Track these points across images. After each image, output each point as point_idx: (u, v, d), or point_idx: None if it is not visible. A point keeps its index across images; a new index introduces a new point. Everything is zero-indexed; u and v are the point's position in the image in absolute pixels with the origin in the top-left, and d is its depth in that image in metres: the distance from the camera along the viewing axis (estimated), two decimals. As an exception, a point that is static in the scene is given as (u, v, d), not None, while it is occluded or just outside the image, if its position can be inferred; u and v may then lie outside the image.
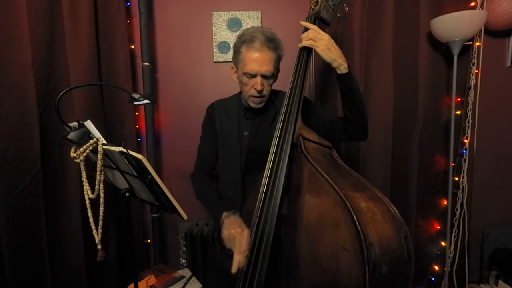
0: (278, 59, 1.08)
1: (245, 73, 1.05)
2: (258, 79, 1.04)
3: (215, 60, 1.74)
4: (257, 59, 1.01)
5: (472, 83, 1.67)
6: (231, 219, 0.95)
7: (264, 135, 1.11)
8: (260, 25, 1.70)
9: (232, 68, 1.15)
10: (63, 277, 1.47)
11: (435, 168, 1.76)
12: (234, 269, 0.84)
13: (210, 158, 1.21)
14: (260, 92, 1.05)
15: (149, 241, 1.80)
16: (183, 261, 1.76)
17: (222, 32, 1.72)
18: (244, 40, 1.03)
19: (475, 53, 1.65)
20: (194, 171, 1.23)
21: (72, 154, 0.83)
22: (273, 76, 1.08)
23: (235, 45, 1.08)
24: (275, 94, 1.19)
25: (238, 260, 0.85)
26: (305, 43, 0.94)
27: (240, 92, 1.21)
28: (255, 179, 1.01)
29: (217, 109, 1.22)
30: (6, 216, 1.31)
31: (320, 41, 0.92)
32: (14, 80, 1.31)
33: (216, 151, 1.21)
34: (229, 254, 0.89)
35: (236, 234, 0.88)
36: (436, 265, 1.78)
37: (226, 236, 0.90)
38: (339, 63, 0.93)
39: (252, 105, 1.11)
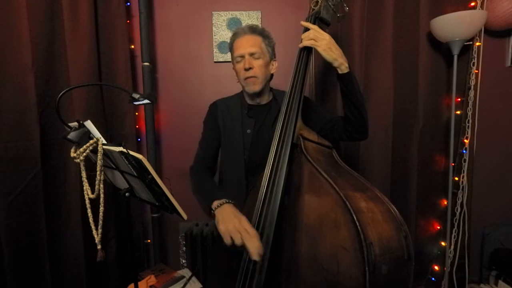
0: (269, 45, 1.14)
1: (235, 59, 1.13)
2: (246, 57, 1.10)
3: (215, 60, 1.74)
4: (242, 42, 1.11)
5: (472, 83, 1.67)
6: (224, 209, 0.89)
7: (267, 133, 1.12)
8: (259, 25, 1.70)
9: (233, 68, 1.19)
10: (63, 277, 1.47)
11: (435, 168, 1.76)
12: (256, 256, 0.76)
13: (211, 151, 1.23)
14: (248, 69, 1.09)
15: (149, 241, 1.80)
16: (183, 261, 1.76)
17: (222, 32, 1.72)
18: (233, 34, 1.16)
19: (475, 53, 1.65)
20: (193, 163, 1.23)
21: (72, 154, 0.83)
22: (262, 56, 1.11)
23: (229, 45, 1.19)
24: (278, 93, 1.20)
25: (254, 246, 0.77)
26: (306, 43, 0.94)
27: (242, 91, 1.22)
28: (257, 178, 1.01)
29: (220, 107, 1.22)
30: (6, 216, 1.31)
31: (321, 41, 0.92)
32: (14, 80, 1.31)
33: (217, 145, 1.22)
34: (227, 250, 0.83)
35: (235, 227, 0.81)
36: (436, 265, 1.78)
37: (224, 231, 0.82)
38: (340, 62, 0.93)
39: (248, 88, 1.13)
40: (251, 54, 1.10)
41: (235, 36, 1.14)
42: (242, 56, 1.11)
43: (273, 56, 1.17)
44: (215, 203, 0.93)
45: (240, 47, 1.11)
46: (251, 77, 1.10)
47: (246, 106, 1.19)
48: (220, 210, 0.90)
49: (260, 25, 1.70)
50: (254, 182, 1.04)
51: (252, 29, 1.12)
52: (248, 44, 1.10)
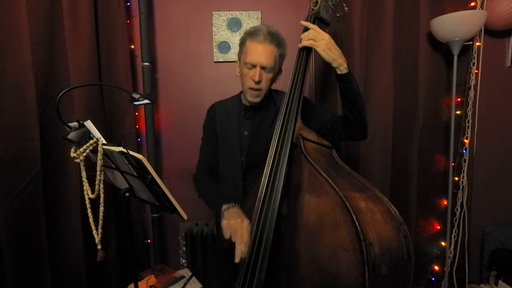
0: (281, 57, 1.10)
1: (246, 63, 1.08)
2: (257, 69, 1.06)
3: (215, 60, 1.74)
4: (258, 50, 1.05)
5: (472, 83, 1.67)
6: (231, 210, 0.94)
7: (265, 135, 1.11)
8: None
9: (237, 62, 1.18)
10: (63, 277, 1.47)
11: (435, 168, 1.76)
12: (237, 259, 0.82)
13: (212, 159, 1.21)
14: (258, 83, 1.06)
15: (149, 241, 1.80)
16: (183, 261, 1.76)
17: (222, 32, 1.72)
18: (249, 32, 1.09)
19: (475, 53, 1.65)
20: (196, 171, 1.23)
21: (72, 154, 0.83)
22: (273, 70, 1.09)
23: (241, 38, 1.13)
24: (276, 94, 1.19)
25: (240, 250, 0.83)
26: (306, 43, 0.94)
27: (241, 93, 1.22)
28: (255, 179, 1.01)
29: (217, 109, 1.22)
30: (6, 216, 1.31)
31: (321, 41, 0.92)
32: (14, 80, 1.31)
33: (218, 152, 1.21)
34: (229, 247, 0.86)
35: (236, 225, 0.87)
36: (436, 265, 1.78)
37: (225, 226, 0.89)
38: (339, 63, 0.93)
39: (249, 98, 1.11)
40: (263, 67, 1.06)
41: (252, 37, 1.07)
42: (254, 66, 1.06)
43: (281, 67, 1.14)
44: (225, 206, 0.96)
45: (254, 55, 1.05)
46: (256, 89, 1.08)
47: (244, 108, 1.19)
48: (229, 210, 0.95)
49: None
50: (252, 184, 1.04)
51: (271, 37, 1.06)
52: (264, 55, 1.05)
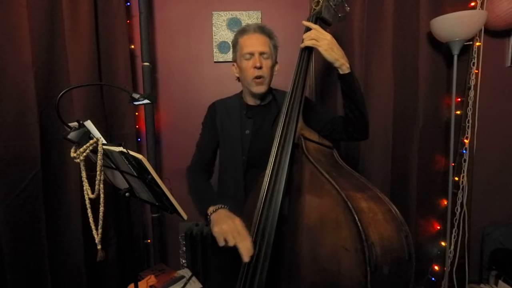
0: (274, 47, 1.14)
1: (243, 55, 1.10)
2: (256, 56, 1.08)
3: (215, 60, 1.74)
4: (253, 41, 1.10)
5: (472, 83, 1.67)
6: (219, 213, 0.90)
7: (266, 134, 1.11)
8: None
9: (233, 65, 1.19)
10: (63, 277, 1.47)
11: (435, 168, 1.76)
12: (246, 258, 0.78)
13: (209, 152, 1.22)
14: (259, 68, 1.08)
15: (149, 241, 1.80)
16: (183, 261, 1.75)
17: (222, 32, 1.72)
18: (239, 31, 1.14)
19: (475, 53, 1.65)
20: (191, 164, 1.23)
21: (72, 154, 0.83)
22: (271, 57, 1.11)
23: (232, 41, 1.17)
24: (277, 93, 1.19)
25: (245, 247, 0.79)
26: (308, 42, 0.94)
27: (241, 92, 1.22)
28: (257, 178, 1.01)
29: (218, 108, 1.22)
30: (6, 216, 1.31)
31: (323, 41, 0.92)
32: (14, 80, 1.31)
33: (215, 147, 1.22)
34: (227, 250, 0.83)
35: (228, 227, 0.83)
36: (436, 265, 1.78)
37: (218, 232, 0.84)
38: (341, 63, 0.93)
39: (255, 89, 1.11)
40: (261, 53, 1.09)
41: (242, 33, 1.12)
42: (252, 54, 1.09)
43: (276, 59, 1.16)
44: (211, 209, 0.94)
45: (250, 45, 1.09)
46: (260, 77, 1.09)
47: (245, 107, 1.19)
48: (215, 214, 0.91)
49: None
50: (253, 182, 1.04)
51: (261, 29, 1.11)
52: (259, 43, 1.09)
